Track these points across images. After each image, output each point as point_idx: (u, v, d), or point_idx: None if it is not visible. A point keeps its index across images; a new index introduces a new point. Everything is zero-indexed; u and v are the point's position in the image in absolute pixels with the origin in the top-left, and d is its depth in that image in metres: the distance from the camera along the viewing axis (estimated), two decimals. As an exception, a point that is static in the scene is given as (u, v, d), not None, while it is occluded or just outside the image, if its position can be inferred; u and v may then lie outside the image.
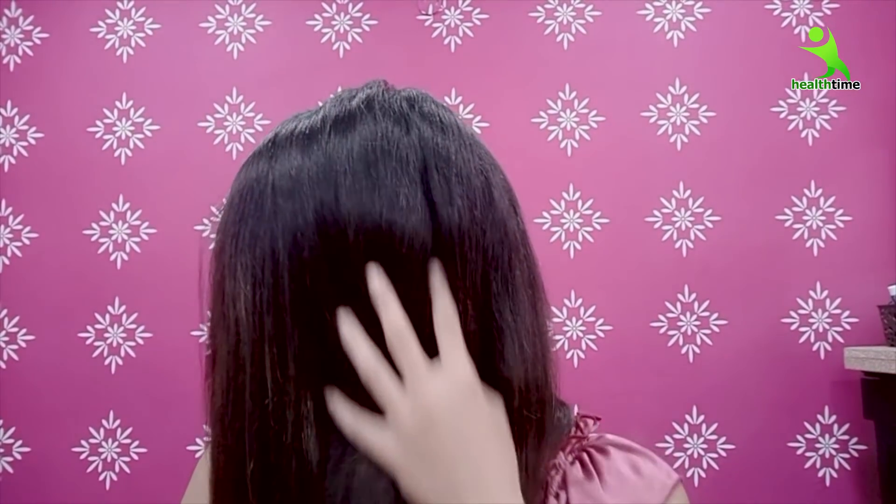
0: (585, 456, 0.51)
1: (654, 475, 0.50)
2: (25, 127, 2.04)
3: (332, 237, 0.44)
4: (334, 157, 0.46)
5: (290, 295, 0.44)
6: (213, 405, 0.46)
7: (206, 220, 1.93)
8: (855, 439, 1.88)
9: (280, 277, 0.44)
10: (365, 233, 0.44)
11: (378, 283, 0.43)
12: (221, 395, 0.45)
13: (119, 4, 2.09)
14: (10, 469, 1.94)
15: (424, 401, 0.42)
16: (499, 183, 0.51)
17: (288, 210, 0.45)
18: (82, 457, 1.94)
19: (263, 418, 0.43)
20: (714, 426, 1.90)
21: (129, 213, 2.01)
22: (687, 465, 1.90)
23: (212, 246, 0.48)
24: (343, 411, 0.44)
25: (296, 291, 0.44)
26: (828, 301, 1.93)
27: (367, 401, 0.43)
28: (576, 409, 0.55)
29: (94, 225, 2.01)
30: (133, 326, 1.97)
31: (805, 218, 1.95)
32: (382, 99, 0.49)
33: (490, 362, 0.46)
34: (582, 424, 0.54)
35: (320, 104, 0.51)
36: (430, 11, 2.06)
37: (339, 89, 0.53)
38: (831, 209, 1.95)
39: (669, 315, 1.94)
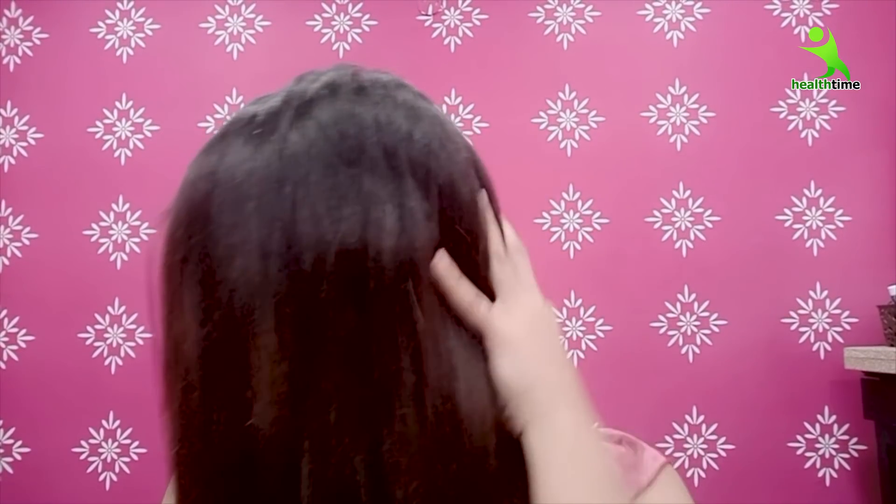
0: None
1: (640, 458, 0.50)
2: (25, 127, 2.04)
3: (289, 266, 0.37)
4: (288, 156, 0.39)
5: (244, 340, 0.38)
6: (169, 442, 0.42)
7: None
8: (855, 439, 1.88)
9: (231, 319, 0.38)
10: (333, 258, 0.37)
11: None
12: (177, 436, 0.41)
13: (119, 5, 2.09)
14: (9, 469, 1.94)
15: (527, 302, 0.43)
16: (485, 188, 0.45)
17: (235, 232, 0.38)
18: (82, 457, 1.94)
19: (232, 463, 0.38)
20: (714, 426, 1.90)
21: (129, 214, 2.01)
22: (687, 466, 1.90)
23: (160, 261, 0.43)
24: (466, 290, 0.41)
25: (247, 334, 0.37)
26: (827, 301, 1.93)
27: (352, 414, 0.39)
28: None
29: (94, 225, 2.01)
30: (133, 327, 1.97)
31: (805, 218, 1.95)
32: (349, 83, 0.43)
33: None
34: None
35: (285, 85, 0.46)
36: (430, 12, 2.06)
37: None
38: (831, 209, 1.95)
39: (669, 315, 1.94)
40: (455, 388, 0.39)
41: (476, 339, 0.41)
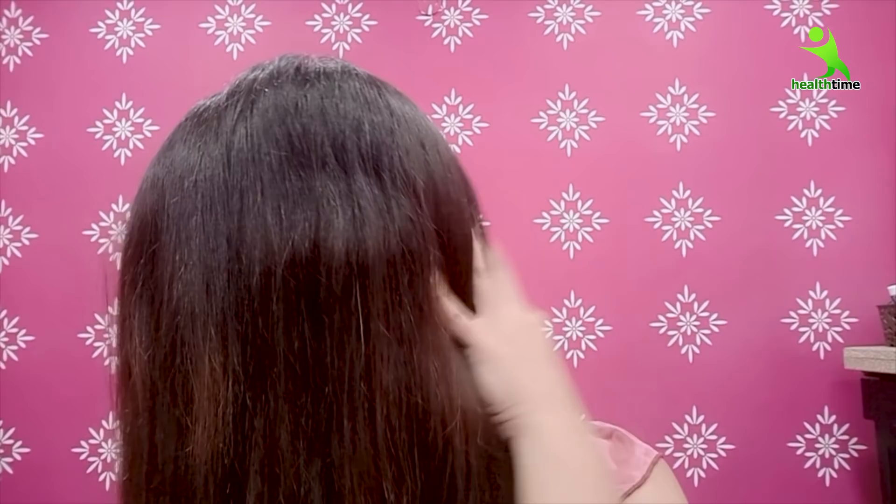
0: None
1: (633, 453, 0.49)
2: (25, 127, 2.04)
3: (235, 281, 0.35)
4: (235, 163, 0.37)
5: (188, 363, 0.36)
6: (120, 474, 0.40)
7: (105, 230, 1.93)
8: (855, 439, 1.88)
9: (175, 341, 0.36)
10: (283, 268, 0.35)
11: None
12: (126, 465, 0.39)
13: (119, 5, 2.09)
14: (9, 470, 1.94)
15: (509, 314, 0.43)
16: (448, 173, 0.42)
17: (180, 249, 0.37)
18: (82, 457, 1.94)
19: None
20: (714, 426, 1.90)
21: (128, 214, 2.00)
22: (687, 465, 1.90)
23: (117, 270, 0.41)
24: (449, 305, 0.40)
25: (191, 356, 0.36)
26: (827, 301, 1.93)
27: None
28: None
29: (94, 225, 2.00)
30: (133, 327, 1.97)
31: (805, 218, 1.95)
32: (293, 75, 0.41)
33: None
34: None
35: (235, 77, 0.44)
36: (430, 12, 2.06)
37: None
38: (831, 209, 1.95)
39: (669, 315, 1.94)
40: (412, 396, 0.36)
41: (442, 341, 0.39)
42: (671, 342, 1.93)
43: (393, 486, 0.35)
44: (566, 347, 1.94)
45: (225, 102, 0.40)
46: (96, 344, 1.97)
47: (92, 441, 1.94)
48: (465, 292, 0.42)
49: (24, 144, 2.04)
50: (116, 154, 2.03)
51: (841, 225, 1.95)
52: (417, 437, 0.36)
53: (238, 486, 0.35)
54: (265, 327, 0.35)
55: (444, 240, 0.40)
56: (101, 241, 2.00)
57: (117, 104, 2.05)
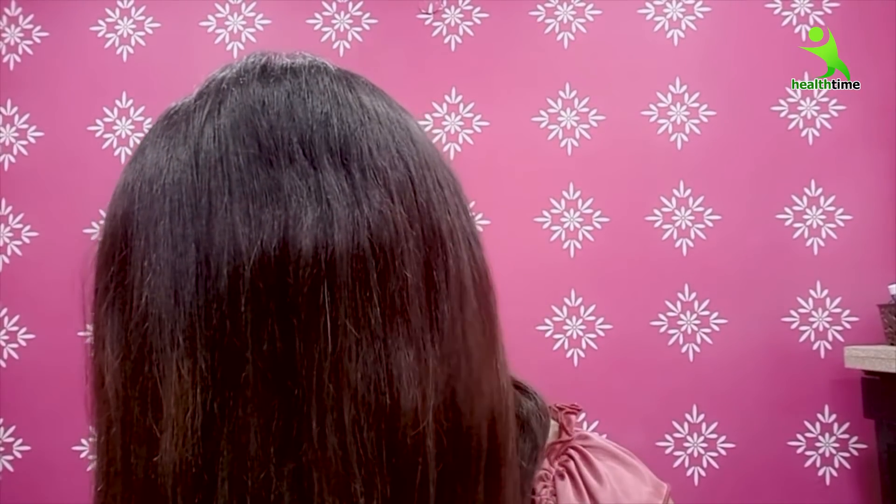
0: (572, 465, 0.47)
1: (640, 492, 0.46)
2: (25, 126, 2.04)
3: (202, 286, 0.34)
4: (203, 164, 0.36)
5: (156, 371, 0.35)
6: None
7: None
8: (855, 438, 1.88)
9: (143, 349, 0.35)
10: (251, 270, 0.34)
11: None
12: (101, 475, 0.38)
13: (119, 3, 2.08)
14: (10, 468, 1.94)
15: None
16: (424, 165, 0.40)
17: (148, 255, 0.36)
18: (82, 455, 1.94)
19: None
20: (714, 425, 1.90)
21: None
22: (687, 465, 1.90)
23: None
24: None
25: (160, 364, 0.35)
26: (828, 300, 1.93)
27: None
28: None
29: (95, 224, 2.00)
30: (133, 325, 1.97)
31: (805, 217, 1.95)
32: (260, 72, 0.40)
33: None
34: (565, 422, 0.49)
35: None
36: (431, 10, 2.06)
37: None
38: (831, 208, 1.95)
39: (669, 314, 1.94)
40: (381, 396, 0.35)
41: (417, 334, 0.36)
42: (671, 341, 1.93)
43: (362, 488, 0.34)
44: (566, 346, 1.94)
45: (194, 104, 0.40)
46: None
47: (93, 440, 1.94)
48: (447, 284, 0.39)
49: (25, 143, 2.04)
50: (117, 152, 2.03)
51: (841, 224, 1.95)
52: (386, 438, 0.35)
53: (208, 494, 0.34)
54: (234, 331, 0.34)
55: (421, 232, 0.38)
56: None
57: (117, 102, 2.05)
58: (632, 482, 0.45)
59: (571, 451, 0.47)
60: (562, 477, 0.45)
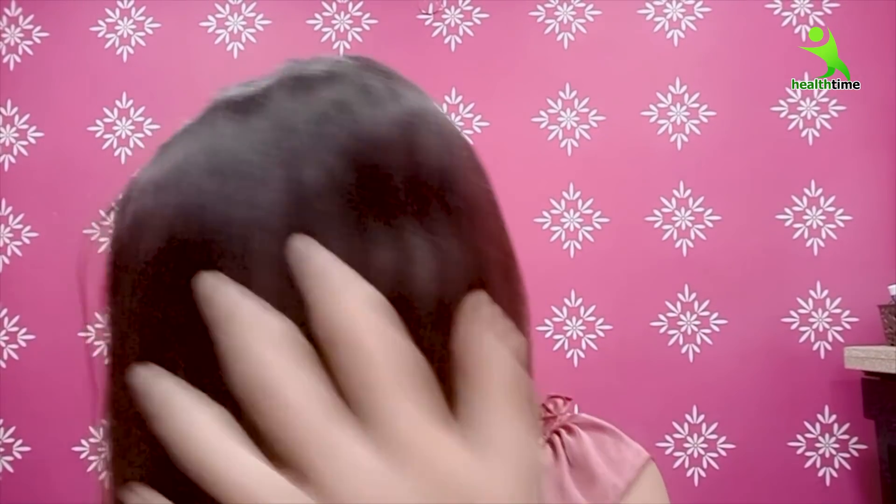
0: (556, 437, 0.49)
1: (622, 455, 0.49)
2: (25, 126, 2.04)
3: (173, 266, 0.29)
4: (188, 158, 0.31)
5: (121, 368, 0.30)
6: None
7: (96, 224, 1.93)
8: (855, 439, 1.88)
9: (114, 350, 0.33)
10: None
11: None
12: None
13: (119, 3, 2.09)
14: (10, 468, 1.94)
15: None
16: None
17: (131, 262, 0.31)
18: (82, 456, 1.94)
19: None
20: (714, 426, 1.90)
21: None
22: (687, 465, 1.90)
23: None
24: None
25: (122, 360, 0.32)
26: (828, 300, 1.93)
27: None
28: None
29: (95, 224, 2.00)
30: (133, 326, 1.97)
31: (805, 217, 1.95)
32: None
33: None
34: (551, 406, 0.51)
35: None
36: (431, 11, 2.06)
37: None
38: (831, 209, 1.95)
39: (669, 314, 1.94)
40: None
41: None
42: (671, 341, 1.93)
43: None
44: (566, 347, 1.94)
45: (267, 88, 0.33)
46: (97, 343, 1.97)
47: (92, 440, 1.94)
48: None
49: (25, 143, 2.04)
50: (117, 153, 2.03)
51: (841, 224, 1.95)
52: None
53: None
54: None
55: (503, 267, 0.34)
56: (102, 240, 2.00)
57: (118, 103, 2.05)
58: (613, 445, 0.48)
59: (557, 427, 0.49)
60: (542, 448, 0.47)
